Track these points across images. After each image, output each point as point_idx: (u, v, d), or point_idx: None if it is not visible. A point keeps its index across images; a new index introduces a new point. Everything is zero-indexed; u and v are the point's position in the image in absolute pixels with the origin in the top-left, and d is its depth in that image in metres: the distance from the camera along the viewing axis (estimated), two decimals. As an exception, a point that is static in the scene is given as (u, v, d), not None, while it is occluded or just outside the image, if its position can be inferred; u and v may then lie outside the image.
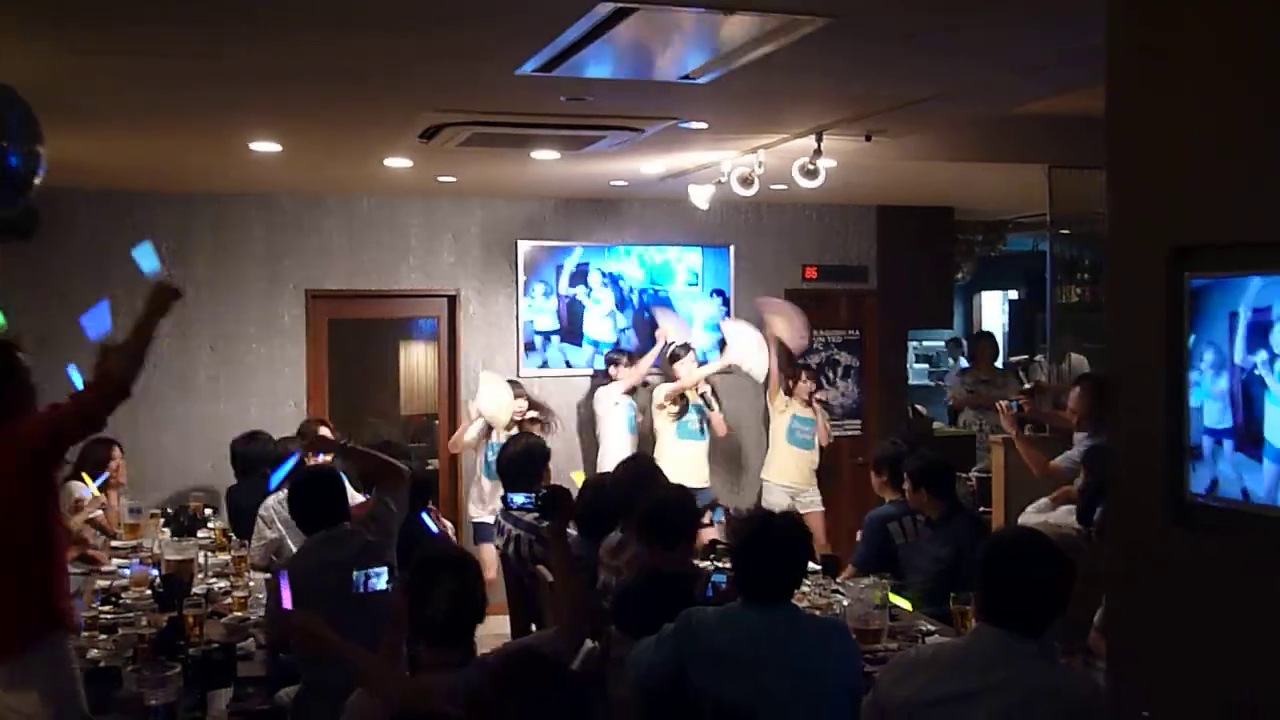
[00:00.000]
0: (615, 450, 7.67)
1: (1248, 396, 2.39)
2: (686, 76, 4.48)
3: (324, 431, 6.64)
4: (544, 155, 6.34)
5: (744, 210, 8.84)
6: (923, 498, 5.40)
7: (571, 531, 4.80)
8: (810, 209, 9.09)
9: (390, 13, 3.69)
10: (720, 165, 6.57)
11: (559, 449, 7.54)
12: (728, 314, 8.90)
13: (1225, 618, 2.50)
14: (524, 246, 8.52)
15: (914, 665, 2.88)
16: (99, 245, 7.58)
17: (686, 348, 8.12)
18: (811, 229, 9.18)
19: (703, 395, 8.09)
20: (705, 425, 8.07)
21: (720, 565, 4.96)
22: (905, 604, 4.98)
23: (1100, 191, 2.83)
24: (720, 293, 8.97)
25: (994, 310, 14.89)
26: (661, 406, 7.97)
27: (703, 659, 3.36)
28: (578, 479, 5.72)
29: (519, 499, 5.08)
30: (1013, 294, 14.31)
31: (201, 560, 5.78)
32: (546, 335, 8.60)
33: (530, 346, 8.55)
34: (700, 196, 7.08)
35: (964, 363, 12.06)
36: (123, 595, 5.24)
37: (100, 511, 6.28)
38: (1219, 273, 2.47)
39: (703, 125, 5.58)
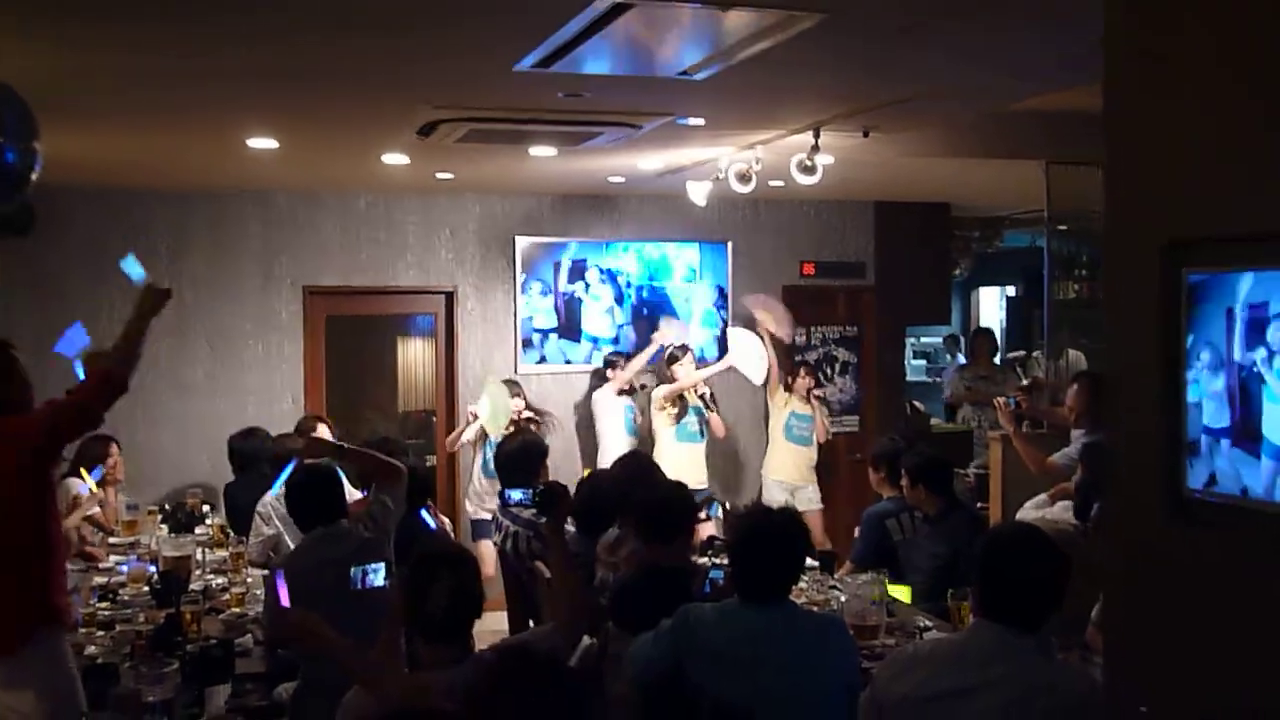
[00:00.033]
0: (614, 451, 7.66)
1: (1245, 393, 2.39)
2: (684, 72, 4.48)
3: (322, 429, 6.64)
4: (541, 151, 6.33)
5: (742, 206, 8.84)
6: (920, 494, 5.41)
7: (569, 528, 4.80)
8: (808, 205, 9.10)
9: (388, 10, 3.68)
10: (718, 161, 6.57)
11: (558, 447, 7.56)
12: (724, 306, 8.90)
13: (1223, 613, 2.50)
14: (521, 243, 8.51)
15: (911, 661, 2.88)
16: (96, 243, 7.57)
17: (685, 349, 8.11)
18: (809, 225, 9.18)
19: (702, 397, 8.08)
20: (704, 427, 8.06)
21: (718, 561, 4.96)
22: (903, 593, 4.98)
23: (1097, 187, 2.84)
24: (719, 289, 8.96)
25: (991, 306, 14.90)
26: (661, 408, 7.96)
27: (700, 656, 3.36)
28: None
29: (516, 495, 5.09)
30: (1010, 290, 14.32)
31: (199, 557, 5.78)
32: (545, 333, 8.59)
33: (528, 343, 8.55)
34: (698, 193, 7.08)
35: (961, 359, 12.06)
36: (120, 592, 5.24)
37: (98, 508, 6.28)
38: (1216, 268, 2.47)
39: (700, 121, 5.58)
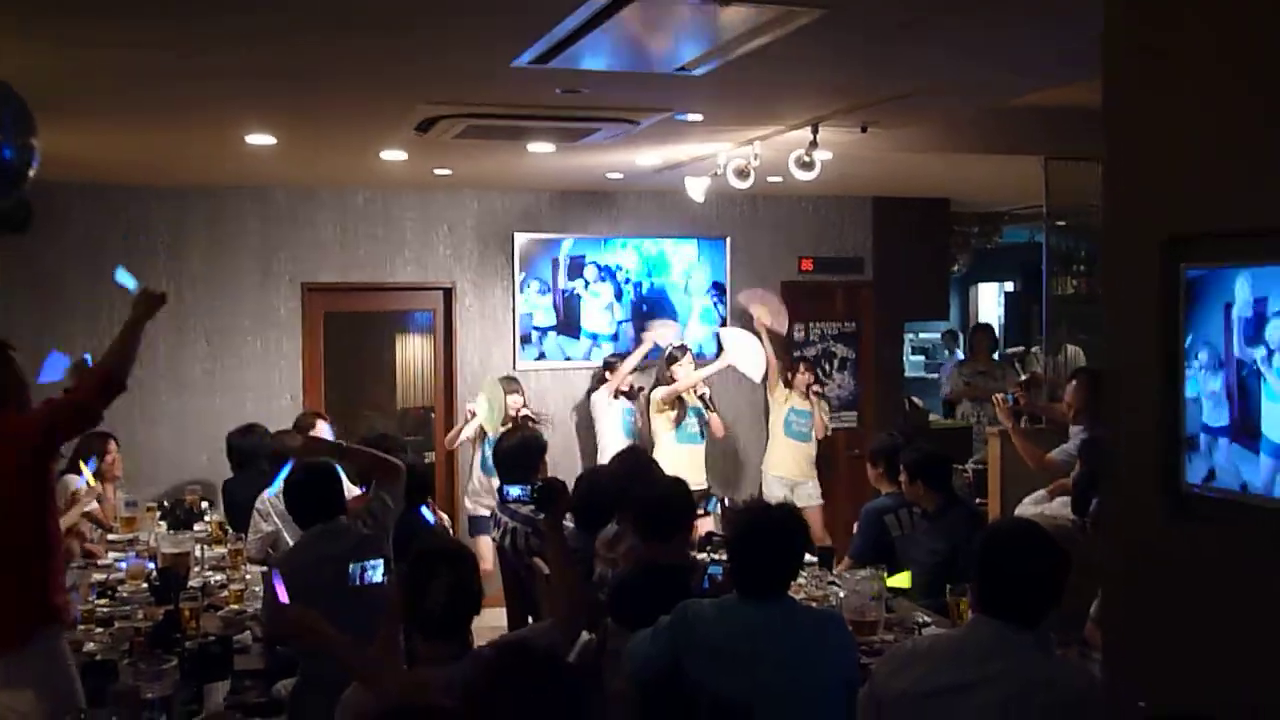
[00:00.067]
0: (612, 454, 7.65)
1: (1244, 390, 2.39)
2: (682, 68, 4.47)
3: (322, 425, 6.63)
4: (539, 148, 6.33)
5: (740, 202, 8.84)
6: (919, 490, 5.41)
7: (568, 524, 4.80)
8: (806, 201, 9.09)
9: (387, 6, 3.68)
10: (716, 157, 6.56)
11: (557, 444, 7.56)
12: (723, 301, 8.90)
13: (1221, 609, 2.50)
14: (520, 239, 8.50)
15: (910, 657, 2.88)
16: (94, 240, 7.58)
17: (684, 349, 8.09)
18: (807, 221, 9.18)
19: (701, 397, 8.07)
20: (704, 428, 8.05)
21: (716, 557, 4.96)
22: (903, 580, 4.99)
23: (1096, 183, 2.84)
24: (717, 285, 8.96)
25: (990, 302, 14.90)
26: (660, 411, 7.95)
27: (699, 652, 3.36)
28: None
29: (515, 491, 5.07)
30: (1009, 286, 14.33)
31: (198, 553, 5.78)
32: (544, 330, 8.59)
33: (526, 339, 8.54)
34: (696, 189, 7.08)
35: (960, 355, 12.08)
36: (119, 588, 5.24)
37: (96, 504, 6.27)
38: (1214, 263, 2.47)
39: (698, 117, 5.57)
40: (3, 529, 3.71)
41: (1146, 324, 2.62)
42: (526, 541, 5.33)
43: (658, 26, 3.99)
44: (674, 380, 7.90)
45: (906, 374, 10.70)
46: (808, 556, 4.97)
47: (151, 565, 5.45)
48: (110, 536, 6.31)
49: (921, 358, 13.88)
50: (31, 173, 3.92)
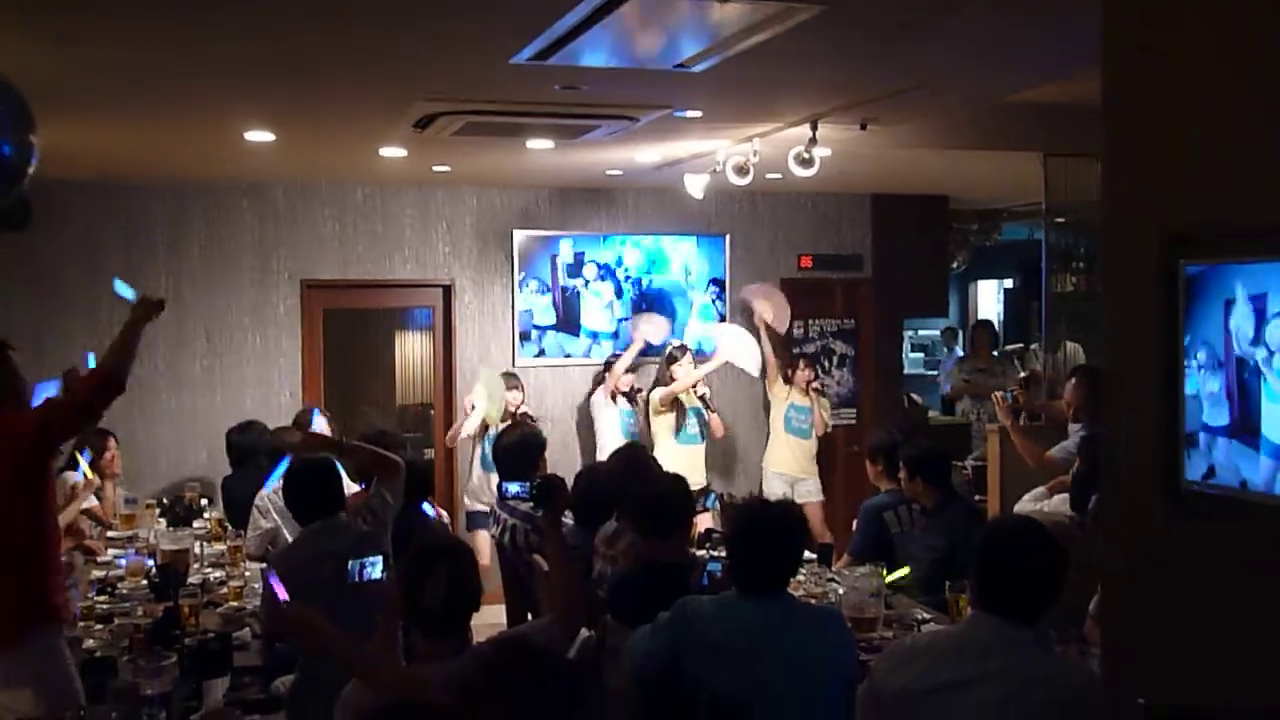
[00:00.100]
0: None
1: (1244, 388, 2.39)
2: (681, 65, 4.47)
3: (321, 421, 6.63)
4: (538, 144, 6.33)
5: (739, 199, 8.83)
6: (918, 487, 5.41)
7: (567, 521, 4.80)
8: (805, 198, 9.09)
9: (386, 3, 3.68)
10: (715, 154, 6.56)
11: (556, 441, 7.55)
12: (722, 298, 8.89)
13: (1220, 605, 2.50)
14: (519, 236, 8.50)
15: (909, 653, 2.88)
16: (93, 236, 7.58)
17: (684, 349, 8.08)
18: (807, 218, 9.17)
19: (701, 397, 8.06)
20: (704, 429, 8.05)
21: (715, 554, 4.96)
22: (903, 573, 4.99)
23: (1095, 179, 2.84)
24: (716, 282, 8.95)
25: (989, 299, 14.90)
26: (659, 412, 7.94)
27: (698, 649, 3.36)
28: None
29: (514, 488, 5.08)
30: (1008, 283, 14.32)
31: (197, 550, 5.78)
32: (543, 330, 8.58)
33: (525, 336, 8.53)
34: (695, 186, 7.07)
35: (959, 351, 12.07)
36: (118, 585, 5.24)
37: (94, 500, 6.27)
38: (1214, 259, 2.47)
39: (697, 114, 5.57)
40: (1, 528, 3.71)
41: (1146, 320, 2.62)
42: (526, 538, 5.33)
43: (657, 23, 3.99)
44: (675, 379, 7.90)
45: (905, 371, 10.70)
46: (807, 553, 4.97)
47: (151, 562, 5.45)
48: (110, 533, 6.30)
49: (920, 355, 13.88)
50: (30, 169, 3.92)
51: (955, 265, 11.33)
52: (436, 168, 7.38)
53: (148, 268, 7.68)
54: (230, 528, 6.16)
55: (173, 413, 7.84)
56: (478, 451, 7.58)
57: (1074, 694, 2.68)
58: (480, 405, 7.46)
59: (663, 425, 7.93)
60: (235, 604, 4.97)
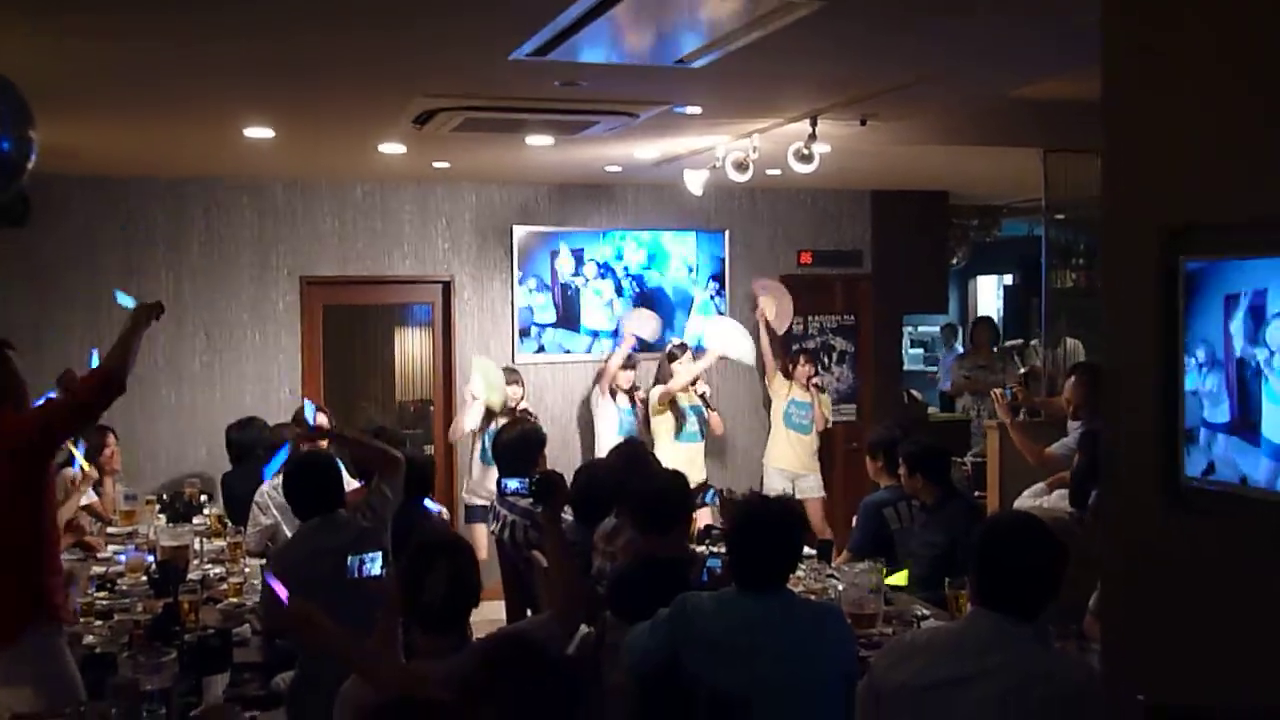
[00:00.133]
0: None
1: (1244, 386, 2.39)
2: (680, 61, 4.47)
3: (320, 418, 6.63)
4: (538, 141, 6.32)
5: (738, 195, 8.83)
6: (918, 483, 5.41)
7: (566, 517, 4.80)
8: (805, 194, 9.08)
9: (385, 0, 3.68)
10: (715, 150, 6.56)
11: (555, 437, 7.54)
12: (722, 294, 8.89)
13: (1219, 601, 2.50)
14: (519, 232, 8.50)
15: (909, 650, 2.89)
16: (92, 232, 7.57)
17: (683, 348, 8.08)
18: (806, 214, 9.17)
19: (701, 396, 8.06)
20: (704, 427, 8.04)
21: (715, 550, 4.96)
22: (901, 579, 4.99)
23: (1095, 175, 2.84)
24: (716, 278, 8.95)
25: (989, 295, 14.90)
26: (658, 412, 7.94)
27: (697, 645, 3.36)
28: None
29: (513, 484, 5.07)
30: (1008, 279, 14.32)
31: (197, 546, 5.78)
32: (543, 327, 8.57)
33: (525, 332, 8.53)
34: (695, 182, 7.07)
35: (959, 348, 12.07)
36: (118, 581, 5.24)
37: (94, 495, 6.27)
38: (1214, 255, 2.47)
39: (697, 110, 5.57)
40: (1, 528, 3.71)
41: (1146, 316, 2.62)
42: (525, 534, 5.33)
43: (656, 19, 3.98)
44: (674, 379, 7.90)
45: (905, 367, 10.71)
46: (806, 549, 4.98)
47: (151, 558, 5.44)
48: (109, 529, 6.30)
49: (920, 351, 13.88)
50: (30, 165, 3.92)
51: (955, 261, 11.33)
52: (436, 164, 7.37)
53: (147, 264, 7.68)
54: (230, 524, 6.16)
55: (172, 409, 7.84)
56: (478, 445, 7.58)
57: (1073, 689, 2.68)
58: (480, 392, 7.45)
59: (662, 424, 7.92)
60: (235, 600, 4.97)
